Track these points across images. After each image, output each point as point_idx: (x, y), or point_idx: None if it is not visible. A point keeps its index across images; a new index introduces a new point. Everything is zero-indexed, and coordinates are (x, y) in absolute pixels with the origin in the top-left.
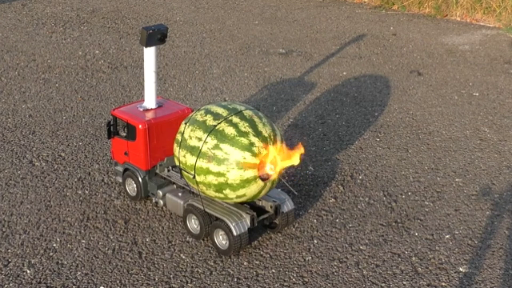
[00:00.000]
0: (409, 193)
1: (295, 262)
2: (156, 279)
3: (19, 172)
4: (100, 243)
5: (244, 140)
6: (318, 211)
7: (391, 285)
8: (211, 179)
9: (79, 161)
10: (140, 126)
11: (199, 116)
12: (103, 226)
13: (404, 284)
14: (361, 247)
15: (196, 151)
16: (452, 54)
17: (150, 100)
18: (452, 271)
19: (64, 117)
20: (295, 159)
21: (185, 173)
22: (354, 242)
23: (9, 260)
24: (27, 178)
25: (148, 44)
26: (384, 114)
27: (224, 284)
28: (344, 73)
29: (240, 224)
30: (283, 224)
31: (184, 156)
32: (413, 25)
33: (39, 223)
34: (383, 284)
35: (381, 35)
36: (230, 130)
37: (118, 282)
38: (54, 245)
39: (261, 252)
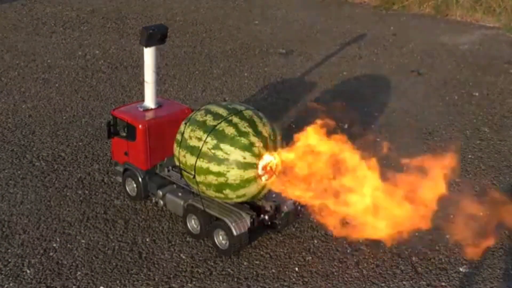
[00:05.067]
0: None
1: (295, 262)
2: (156, 279)
3: (19, 172)
4: (100, 243)
5: (244, 140)
6: None
7: (391, 285)
8: (211, 179)
9: (79, 161)
10: (140, 126)
11: (199, 116)
12: (103, 226)
13: (404, 284)
14: (361, 247)
15: (196, 151)
16: (452, 54)
17: (150, 100)
18: (452, 271)
19: (64, 117)
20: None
21: (185, 173)
22: (354, 242)
23: (9, 260)
24: (27, 178)
25: (148, 44)
26: (384, 114)
27: (224, 284)
28: (344, 73)
29: (240, 224)
30: (283, 224)
31: (184, 156)
32: (413, 25)
33: (39, 223)
34: (383, 284)
35: (381, 35)
36: (230, 130)
37: (118, 282)
38: (54, 245)
39: (261, 252)
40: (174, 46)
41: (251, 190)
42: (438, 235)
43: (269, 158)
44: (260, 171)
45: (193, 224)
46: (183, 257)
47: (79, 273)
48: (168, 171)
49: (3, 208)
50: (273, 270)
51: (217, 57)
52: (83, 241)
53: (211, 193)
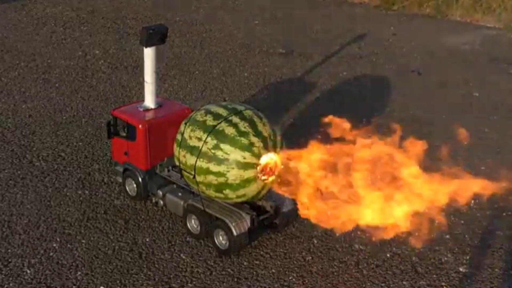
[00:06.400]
0: None
1: (295, 262)
2: (156, 279)
3: (19, 172)
4: (100, 243)
5: (244, 140)
6: None
7: (391, 285)
8: (211, 179)
9: (79, 161)
10: (140, 126)
11: (199, 116)
12: (103, 226)
13: (404, 284)
14: (361, 247)
15: (196, 151)
16: (452, 54)
17: (150, 100)
18: (452, 271)
19: (64, 117)
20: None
21: (185, 173)
22: (354, 242)
23: (9, 260)
24: (27, 178)
25: (148, 44)
26: (384, 114)
27: (224, 284)
28: (344, 73)
29: (240, 224)
30: (283, 224)
31: (184, 156)
32: (413, 25)
33: (39, 223)
34: (383, 284)
35: (381, 35)
36: (230, 130)
37: (118, 282)
38: (54, 245)
39: (261, 252)
40: (174, 46)
41: (251, 190)
42: (438, 235)
43: (269, 158)
44: (260, 171)
45: (193, 224)
46: (183, 257)
47: (79, 273)
48: (168, 171)
49: (3, 208)
50: (273, 270)
51: (217, 57)
52: (83, 241)
53: (211, 193)
